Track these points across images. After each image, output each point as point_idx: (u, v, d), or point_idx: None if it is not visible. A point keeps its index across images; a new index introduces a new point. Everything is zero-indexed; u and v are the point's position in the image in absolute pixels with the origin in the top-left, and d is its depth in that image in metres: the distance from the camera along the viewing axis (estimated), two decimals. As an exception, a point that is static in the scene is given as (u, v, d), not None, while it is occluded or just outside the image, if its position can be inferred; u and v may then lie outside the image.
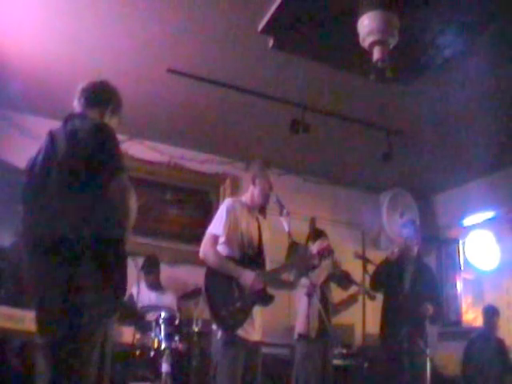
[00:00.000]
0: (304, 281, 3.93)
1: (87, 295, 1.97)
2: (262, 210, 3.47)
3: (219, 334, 3.05)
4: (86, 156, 2.11)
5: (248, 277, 3.09)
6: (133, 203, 2.10)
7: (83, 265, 1.98)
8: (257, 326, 3.18)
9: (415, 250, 4.68)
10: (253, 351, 3.12)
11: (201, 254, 3.20)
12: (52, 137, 2.26)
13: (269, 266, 3.36)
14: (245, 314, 3.09)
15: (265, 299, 3.20)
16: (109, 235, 2.06)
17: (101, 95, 2.43)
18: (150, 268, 5.00)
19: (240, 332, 3.05)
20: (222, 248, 3.21)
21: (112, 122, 2.45)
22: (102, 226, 2.06)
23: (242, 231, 3.24)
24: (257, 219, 3.40)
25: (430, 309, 4.35)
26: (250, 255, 3.23)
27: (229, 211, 3.23)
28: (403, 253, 4.65)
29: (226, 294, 3.09)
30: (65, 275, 1.96)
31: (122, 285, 2.10)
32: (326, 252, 3.55)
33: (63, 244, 1.98)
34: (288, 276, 3.66)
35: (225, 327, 3.05)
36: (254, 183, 3.38)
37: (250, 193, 3.40)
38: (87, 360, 1.97)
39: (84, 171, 2.09)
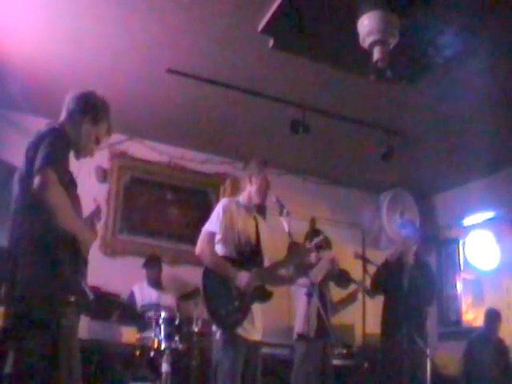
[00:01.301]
0: (303, 280, 3.94)
1: (34, 290, 2.12)
2: (262, 210, 3.47)
3: (218, 333, 3.05)
4: (29, 160, 2.21)
5: (243, 278, 3.09)
6: (55, 197, 2.11)
7: (30, 264, 2.14)
8: (257, 326, 3.18)
9: (414, 249, 4.69)
10: (253, 351, 3.12)
11: (197, 251, 3.19)
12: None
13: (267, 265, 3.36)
14: (244, 312, 3.08)
15: (263, 296, 3.20)
16: (43, 234, 2.16)
17: (79, 107, 2.48)
18: (151, 263, 5.07)
19: (240, 331, 3.05)
20: (218, 247, 3.21)
21: (95, 129, 2.50)
22: (40, 226, 2.17)
23: (239, 230, 3.23)
24: (254, 218, 3.39)
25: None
26: (248, 254, 3.22)
27: (225, 210, 3.22)
28: (402, 253, 4.66)
29: (224, 293, 3.08)
30: (18, 273, 2.14)
31: (64, 278, 2.18)
32: (324, 243, 3.55)
33: (16, 245, 2.19)
34: (286, 271, 3.65)
35: (224, 326, 3.05)
36: (250, 181, 3.37)
37: (247, 192, 3.39)
38: (38, 350, 2.10)
39: (30, 176, 2.17)
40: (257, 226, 3.36)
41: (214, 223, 3.21)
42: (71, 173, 2.38)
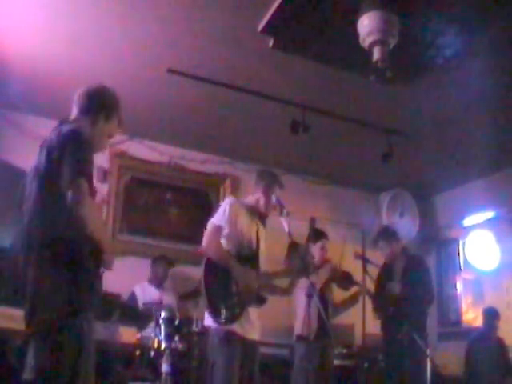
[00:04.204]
0: (303, 281, 3.93)
1: (54, 295, 2.09)
2: (263, 218, 3.48)
3: (214, 329, 3.02)
4: (54, 161, 2.17)
5: (249, 276, 3.10)
6: (87, 210, 2.09)
7: (50, 268, 2.10)
8: (255, 325, 3.18)
9: (399, 249, 4.68)
10: (250, 349, 3.11)
11: (203, 244, 3.17)
12: (42, 145, 2.33)
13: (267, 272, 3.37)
14: (241, 309, 3.08)
15: (258, 300, 3.20)
16: (70, 239, 2.13)
17: (92, 103, 2.45)
18: (158, 261, 5.14)
19: (237, 329, 3.04)
20: (223, 242, 3.21)
21: (108, 126, 2.48)
22: (66, 231, 2.13)
23: (243, 230, 3.24)
24: (256, 224, 3.39)
25: (394, 286, 4.40)
26: (246, 257, 3.22)
27: (231, 207, 3.23)
28: (390, 257, 4.67)
29: (224, 288, 3.08)
30: (35, 277, 2.11)
31: (87, 286, 2.16)
32: (312, 236, 3.53)
33: (34, 250, 2.14)
34: (282, 282, 3.64)
35: (221, 320, 3.02)
36: (264, 193, 3.37)
37: (256, 198, 3.40)
38: (60, 356, 2.07)
39: (53, 177, 2.14)
40: (257, 232, 3.36)
41: (220, 218, 3.20)
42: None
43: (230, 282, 3.09)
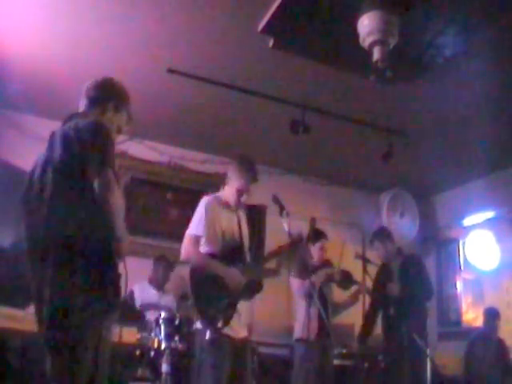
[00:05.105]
0: (303, 281, 3.93)
1: (77, 296, 1.99)
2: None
3: (207, 333, 2.99)
4: (75, 155, 2.12)
5: (233, 276, 3.10)
6: (116, 199, 2.05)
7: (73, 266, 2.00)
8: (243, 322, 3.16)
9: (394, 249, 4.69)
10: (241, 348, 3.10)
11: (183, 257, 3.16)
12: (51, 138, 2.26)
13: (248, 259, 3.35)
14: (232, 311, 3.07)
15: (255, 289, 3.20)
16: (96, 234, 2.05)
17: (101, 93, 2.43)
18: (157, 262, 5.12)
19: (227, 331, 3.02)
20: (202, 246, 3.20)
21: (117, 117, 2.46)
22: (90, 225, 2.05)
23: (223, 228, 3.23)
24: (236, 214, 3.38)
25: (394, 287, 4.39)
26: (231, 250, 3.22)
27: (207, 209, 3.21)
28: (385, 258, 4.68)
29: (212, 292, 3.06)
30: (55, 276, 2.00)
31: (113, 286, 2.07)
32: (298, 238, 3.48)
33: (55, 246, 2.02)
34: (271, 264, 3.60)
35: (214, 325, 3.00)
36: (228, 183, 3.35)
37: (227, 191, 3.37)
38: (79, 360, 1.98)
39: (74, 171, 2.09)
40: (239, 222, 3.35)
41: (196, 226, 3.18)
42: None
43: (217, 284, 3.07)
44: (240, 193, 3.31)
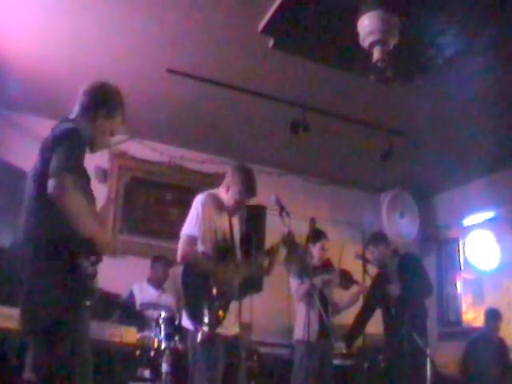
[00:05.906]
0: (303, 282, 3.93)
1: (45, 293, 2.11)
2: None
3: (199, 335, 2.96)
4: (46, 160, 2.16)
5: (228, 273, 3.09)
6: (72, 200, 2.08)
7: (40, 266, 2.12)
8: (233, 319, 3.15)
9: (389, 250, 4.69)
10: (233, 345, 3.09)
11: (179, 258, 3.11)
12: (41, 143, 2.33)
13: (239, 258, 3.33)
14: (225, 309, 3.06)
15: (254, 289, 3.23)
16: (56, 235, 2.13)
17: (92, 101, 2.43)
18: (155, 262, 5.11)
19: (219, 330, 3.00)
20: (197, 246, 3.17)
21: (109, 123, 2.45)
22: (51, 227, 2.14)
23: (216, 227, 3.20)
24: (229, 218, 3.34)
25: (394, 288, 4.40)
26: (223, 250, 3.20)
27: (203, 208, 3.17)
28: (381, 260, 4.68)
29: (205, 293, 3.04)
30: (30, 275, 2.14)
31: (77, 283, 2.15)
32: (287, 238, 3.46)
33: (27, 248, 2.15)
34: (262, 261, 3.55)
35: (208, 326, 2.96)
36: (230, 184, 3.29)
37: (225, 191, 3.30)
38: (55, 351, 2.09)
39: (43, 175, 2.14)
40: (230, 221, 3.32)
41: (192, 226, 3.14)
42: (87, 174, 2.36)
43: (209, 286, 3.05)
44: (237, 205, 3.28)
